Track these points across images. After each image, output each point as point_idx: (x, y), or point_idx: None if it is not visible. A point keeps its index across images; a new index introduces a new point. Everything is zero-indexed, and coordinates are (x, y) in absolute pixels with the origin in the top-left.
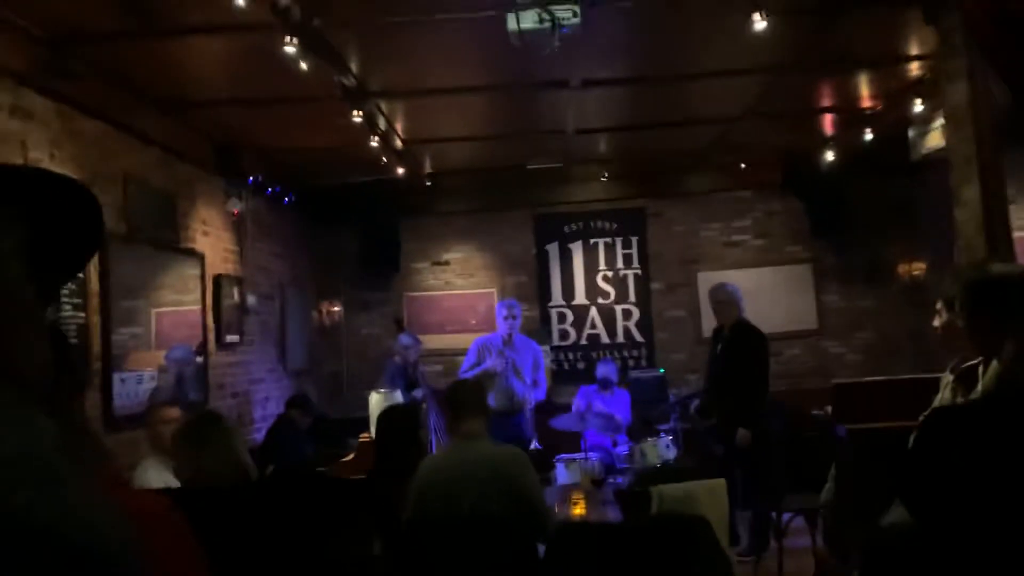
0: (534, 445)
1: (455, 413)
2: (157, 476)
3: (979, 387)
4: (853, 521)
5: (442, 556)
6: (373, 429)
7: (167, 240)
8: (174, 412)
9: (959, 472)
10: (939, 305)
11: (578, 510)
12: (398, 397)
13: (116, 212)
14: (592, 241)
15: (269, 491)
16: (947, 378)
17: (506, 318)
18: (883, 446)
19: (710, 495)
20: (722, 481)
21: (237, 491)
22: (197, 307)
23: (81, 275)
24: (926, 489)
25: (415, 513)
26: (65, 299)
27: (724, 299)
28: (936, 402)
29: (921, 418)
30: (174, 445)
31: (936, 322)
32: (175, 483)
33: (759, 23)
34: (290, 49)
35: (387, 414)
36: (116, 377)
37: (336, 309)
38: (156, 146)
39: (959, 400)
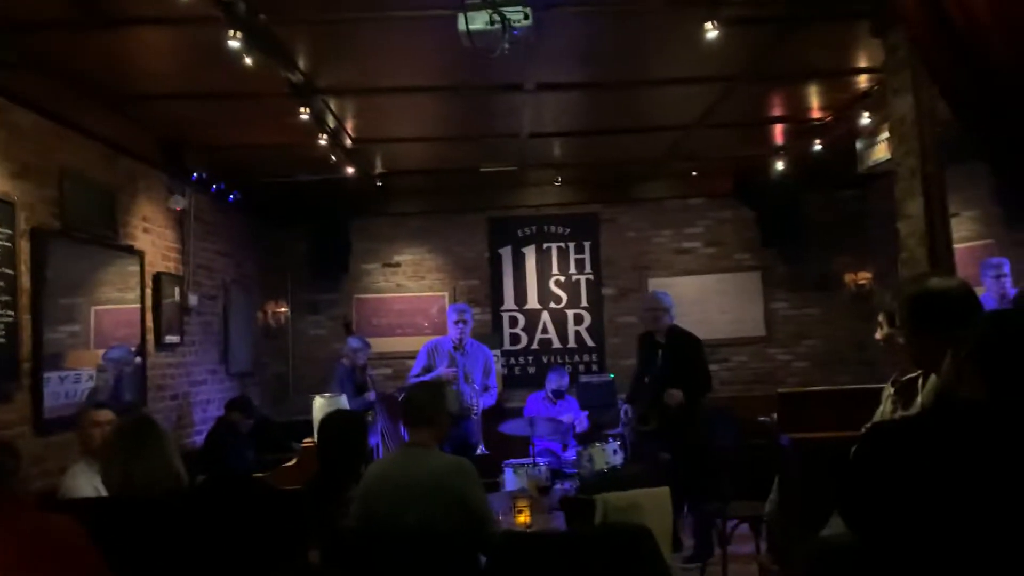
0: (480, 450)
1: (405, 420)
2: (87, 481)
3: (918, 400)
4: (797, 531)
5: (383, 567)
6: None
7: (105, 237)
8: (106, 415)
9: (896, 488)
10: (881, 318)
11: (523, 518)
12: (343, 402)
13: (51, 207)
14: (545, 245)
15: (200, 500)
16: (888, 390)
17: (456, 323)
18: (826, 457)
19: (654, 503)
20: (666, 489)
21: (168, 500)
22: (137, 306)
23: (11, 271)
24: (865, 504)
25: (358, 521)
26: None
27: (656, 307)
28: (877, 414)
29: (863, 430)
30: (104, 451)
31: (878, 335)
32: (104, 489)
33: (711, 32)
34: (234, 43)
35: (330, 420)
36: (50, 377)
37: (283, 310)
38: (97, 140)
39: (898, 413)
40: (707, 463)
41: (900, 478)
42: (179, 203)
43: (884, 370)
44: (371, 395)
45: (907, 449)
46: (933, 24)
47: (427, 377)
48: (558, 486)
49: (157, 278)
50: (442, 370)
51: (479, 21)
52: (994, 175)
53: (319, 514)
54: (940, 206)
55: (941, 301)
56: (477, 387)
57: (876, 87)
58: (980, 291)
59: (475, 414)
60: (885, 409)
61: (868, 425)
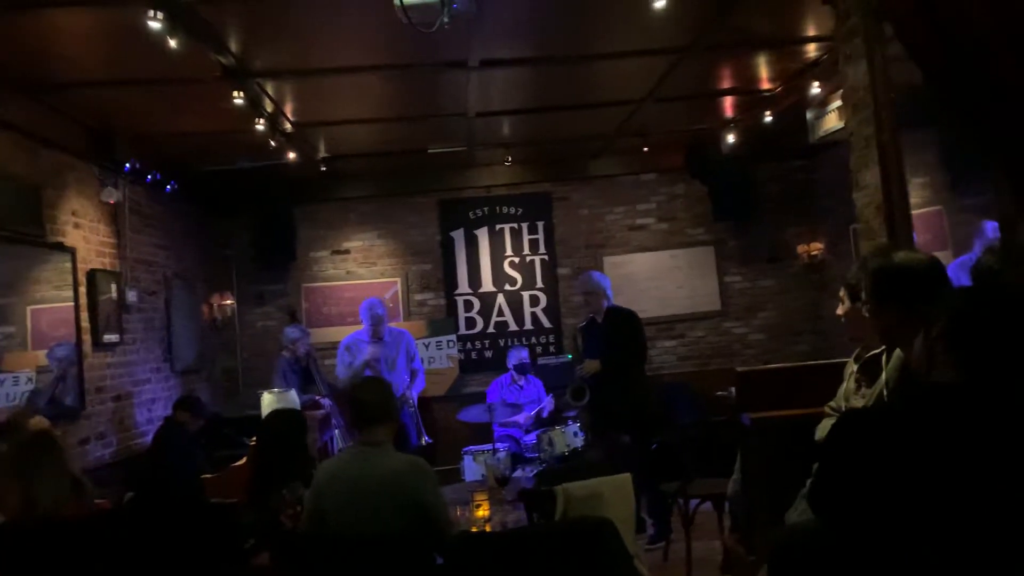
0: (425, 439)
1: (357, 416)
2: None
3: (883, 377)
4: (760, 512)
5: (335, 570)
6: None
7: (31, 234)
8: (39, 422)
9: (871, 478)
10: (842, 292)
11: (481, 512)
12: (293, 397)
13: None
14: (498, 227)
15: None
16: (851, 367)
17: (370, 319)
18: (787, 436)
19: (616, 492)
20: (628, 476)
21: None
22: (72, 304)
23: None
24: (837, 494)
25: (310, 522)
26: None
27: (592, 290)
28: (840, 392)
29: (826, 408)
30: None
31: (839, 310)
32: None
33: (659, 2)
34: (156, 24)
35: (270, 420)
36: None
37: (228, 303)
38: (16, 132)
39: (862, 390)
40: (665, 440)
41: (875, 469)
42: (112, 195)
43: (838, 339)
44: (324, 401)
45: (881, 439)
46: None
47: (357, 364)
48: (518, 472)
49: (91, 275)
50: (364, 356)
51: None
52: (945, 141)
53: (261, 518)
54: (897, 175)
55: (907, 275)
56: (404, 375)
57: (825, 56)
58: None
59: (410, 405)
60: (849, 386)
61: (832, 404)
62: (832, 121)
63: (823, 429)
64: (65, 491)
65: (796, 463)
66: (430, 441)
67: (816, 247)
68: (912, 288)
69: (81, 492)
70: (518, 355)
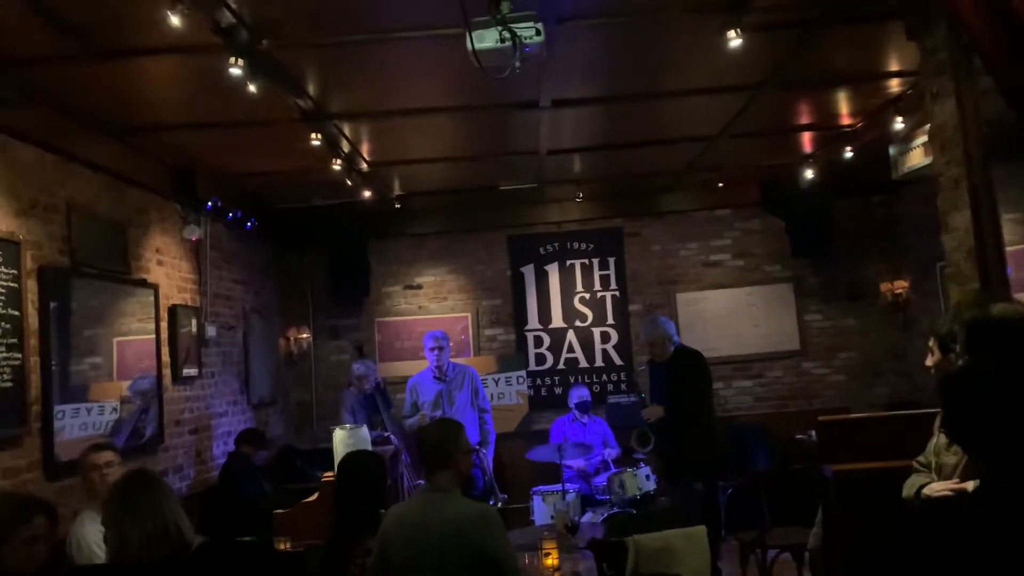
0: (500, 497)
1: (423, 460)
2: (93, 529)
3: None
4: (841, 569)
5: None
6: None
7: (116, 272)
8: (106, 456)
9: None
10: (931, 343)
11: (550, 560)
12: (364, 433)
13: (59, 244)
14: (568, 262)
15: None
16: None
17: (432, 350)
18: (871, 491)
19: (690, 545)
20: (702, 528)
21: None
22: (154, 337)
23: (17, 312)
24: None
25: (375, 569)
26: None
27: (657, 340)
28: (930, 447)
29: (914, 464)
30: (104, 510)
31: (929, 361)
32: None
33: (734, 40)
34: (236, 71)
35: (347, 466)
36: (77, 408)
37: (304, 336)
38: (104, 173)
39: (955, 446)
40: (740, 486)
41: (965, 561)
42: (194, 233)
43: (921, 382)
44: (392, 437)
45: (973, 532)
46: (991, 19)
47: (411, 422)
48: (588, 515)
49: (172, 310)
50: (423, 396)
51: (488, 39)
52: None
53: (330, 567)
54: (989, 217)
55: (1004, 329)
56: (469, 412)
57: (909, 91)
58: None
59: (486, 449)
60: (939, 442)
61: (921, 460)
62: (917, 157)
63: (911, 486)
64: (155, 537)
65: (881, 519)
66: (505, 498)
67: (900, 285)
68: (1008, 342)
69: (179, 541)
70: (579, 393)
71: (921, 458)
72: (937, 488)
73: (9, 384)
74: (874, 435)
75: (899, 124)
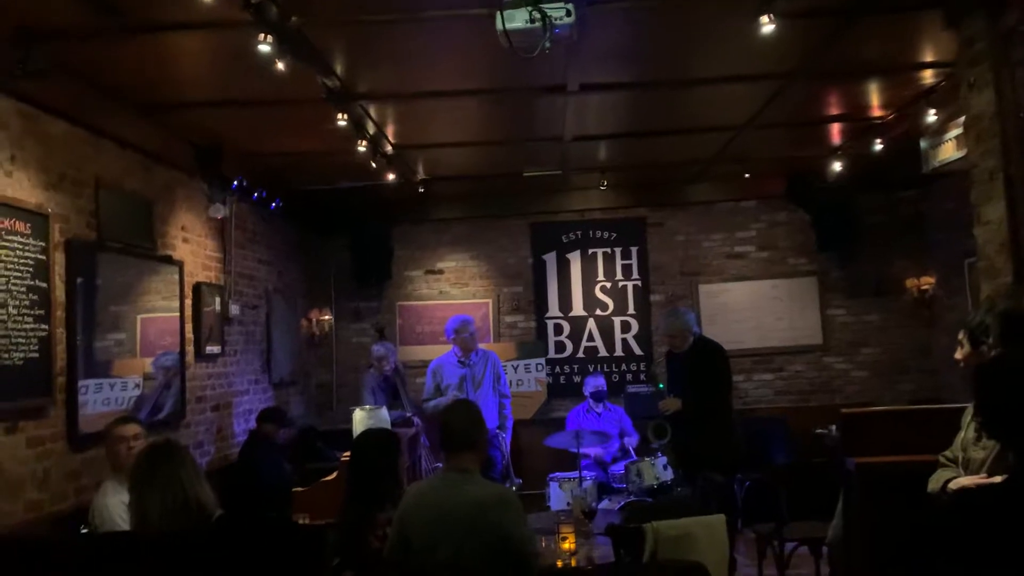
0: (515, 481)
1: (445, 441)
2: (117, 500)
3: None
4: (861, 563)
5: None
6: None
7: (142, 247)
8: (132, 429)
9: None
10: (962, 335)
11: (567, 544)
12: (384, 414)
13: (87, 218)
14: (590, 251)
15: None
16: (971, 415)
17: (454, 340)
18: (895, 485)
19: (709, 533)
20: (721, 517)
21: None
22: (178, 315)
23: (44, 284)
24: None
25: (393, 547)
26: (26, 310)
27: (677, 332)
28: (958, 441)
29: (940, 458)
30: (129, 480)
31: (958, 354)
32: None
33: (767, 26)
34: (265, 48)
35: (363, 441)
36: (100, 384)
37: (326, 318)
38: (131, 149)
39: (984, 440)
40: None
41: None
42: (219, 212)
43: (947, 379)
44: (415, 421)
45: (997, 527)
46: None
47: (437, 402)
48: (604, 502)
49: (197, 288)
50: (447, 379)
51: (518, 19)
52: None
53: (350, 540)
54: None
55: None
56: (490, 396)
57: (943, 82)
58: None
59: (503, 435)
60: (967, 436)
61: (947, 454)
62: (949, 151)
63: (937, 480)
64: (176, 508)
65: (904, 514)
66: (519, 482)
67: (927, 281)
68: None
69: (200, 512)
70: (595, 382)
71: (948, 452)
72: (964, 482)
73: (36, 355)
74: (898, 428)
75: (931, 116)
